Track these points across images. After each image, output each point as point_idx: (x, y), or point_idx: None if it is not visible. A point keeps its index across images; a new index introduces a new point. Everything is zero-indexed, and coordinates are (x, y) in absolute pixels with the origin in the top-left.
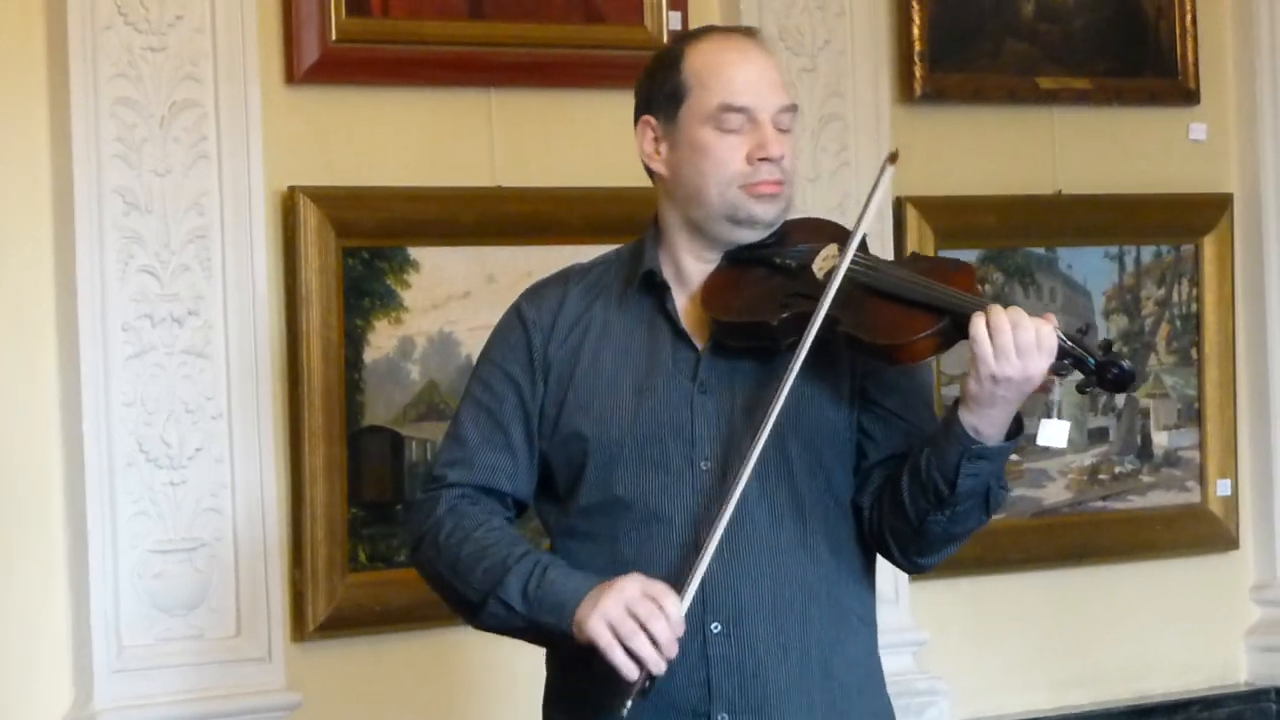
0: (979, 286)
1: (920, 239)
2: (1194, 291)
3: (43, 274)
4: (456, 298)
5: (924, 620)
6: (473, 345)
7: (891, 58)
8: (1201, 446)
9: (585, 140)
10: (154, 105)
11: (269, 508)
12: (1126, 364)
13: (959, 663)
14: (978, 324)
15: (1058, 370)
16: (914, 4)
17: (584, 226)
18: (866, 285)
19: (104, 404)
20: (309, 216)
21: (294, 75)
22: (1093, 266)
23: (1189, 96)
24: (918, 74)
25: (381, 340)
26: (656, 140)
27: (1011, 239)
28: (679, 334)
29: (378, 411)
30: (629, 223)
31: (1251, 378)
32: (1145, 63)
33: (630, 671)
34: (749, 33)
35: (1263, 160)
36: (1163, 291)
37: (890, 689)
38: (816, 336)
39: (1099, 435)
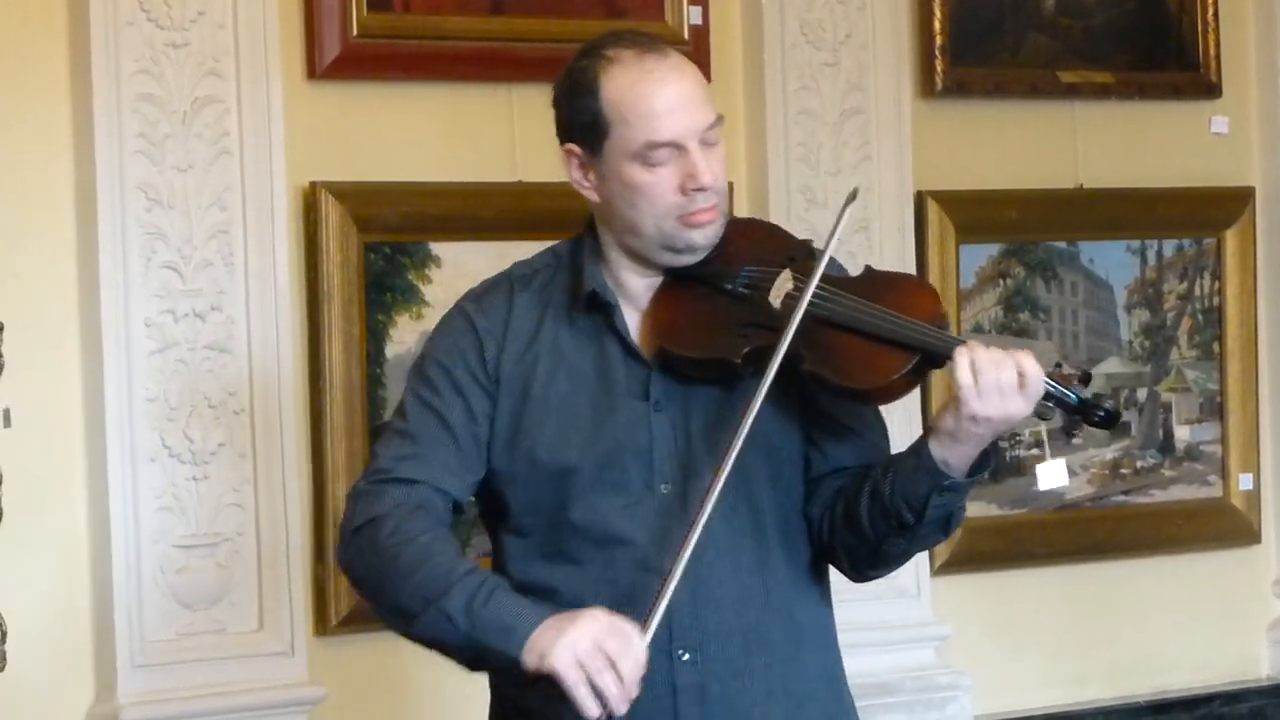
0: (943, 307)
1: (941, 233)
2: (1216, 285)
3: (66, 270)
4: None
5: (946, 615)
6: None
7: (913, 52)
8: (1223, 440)
9: None
10: (176, 101)
11: (291, 502)
12: (1110, 404)
13: (981, 657)
14: (962, 363)
15: (1040, 413)
16: None
17: None
18: (826, 319)
19: (127, 399)
20: (331, 212)
21: (315, 71)
22: (1114, 260)
23: (1211, 90)
24: (939, 68)
25: (403, 335)
26: (584, 168)
27: (1033, 233)
28: (629, 351)
29: None
30: None
31: (1273, 371)
32: (1167, 56)
33: (592, 710)
34: (660, 50)
35: None
36: (1184, 285)
37: (912, 684)
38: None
39: (1121, 429)
